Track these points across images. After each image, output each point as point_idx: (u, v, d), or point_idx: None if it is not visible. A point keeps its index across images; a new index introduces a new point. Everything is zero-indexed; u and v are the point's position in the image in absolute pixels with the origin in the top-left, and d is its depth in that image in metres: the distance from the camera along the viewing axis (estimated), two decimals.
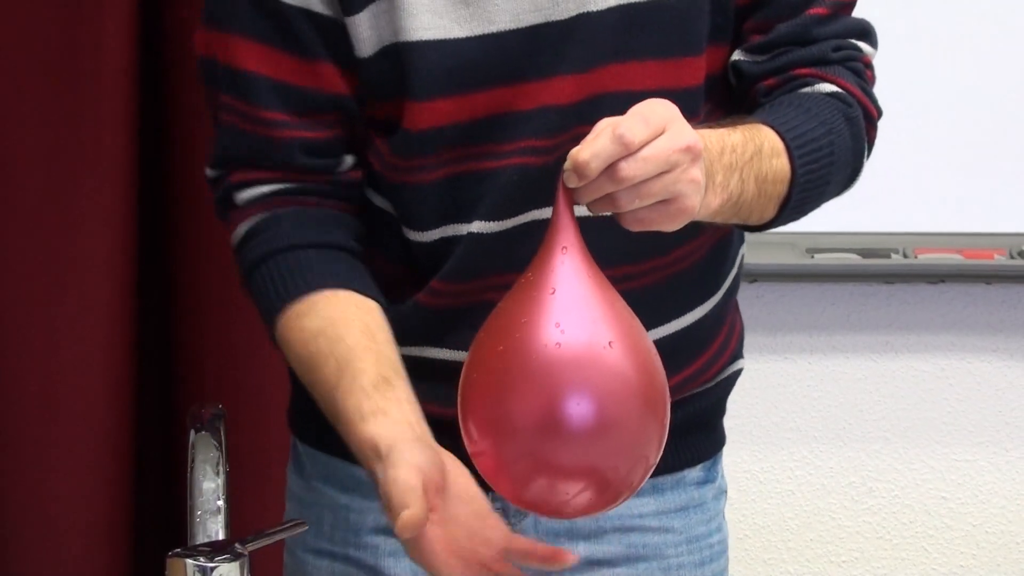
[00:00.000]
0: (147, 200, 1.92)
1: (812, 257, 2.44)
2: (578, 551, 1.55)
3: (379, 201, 1.52)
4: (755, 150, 1.35)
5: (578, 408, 1.18)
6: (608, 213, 1.23)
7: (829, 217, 2.45)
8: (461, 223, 1.46)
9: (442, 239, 1.47)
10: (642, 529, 1.57)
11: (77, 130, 1.86)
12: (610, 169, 1.18)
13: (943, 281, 2.50)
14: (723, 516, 1.64)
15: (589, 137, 1.20)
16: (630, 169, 1.18)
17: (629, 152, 1.18)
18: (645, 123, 1.19)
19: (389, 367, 1.39)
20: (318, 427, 1.59)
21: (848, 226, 2.45)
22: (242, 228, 1.50)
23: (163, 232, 1.98)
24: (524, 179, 1.44)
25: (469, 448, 1.24)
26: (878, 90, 1.52)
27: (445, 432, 1.49)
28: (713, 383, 1.60)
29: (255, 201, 1.49)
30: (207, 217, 1.62)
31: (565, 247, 1.22)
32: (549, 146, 1.43)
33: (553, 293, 1.21)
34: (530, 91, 1.43)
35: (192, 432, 1.45)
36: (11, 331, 1.90)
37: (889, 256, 2.44)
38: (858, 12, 1.53)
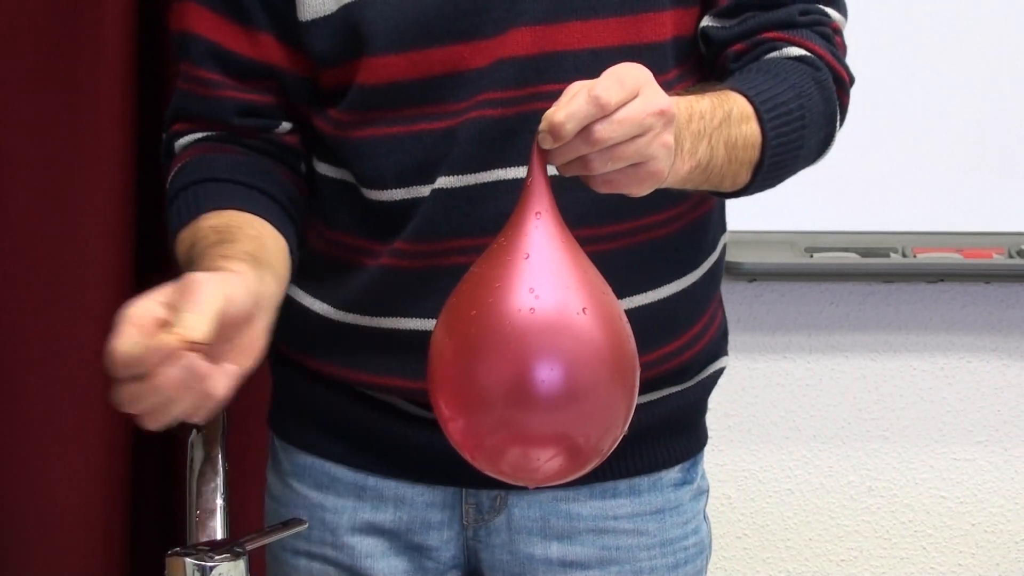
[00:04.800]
0: (146, 200, 1.92)
1: (811, 256, 2.44)
2: (552, 552, 1.55)
3: (332, 171, 1.53)
4: (724, 116, 1.35)
5: (551, 374, 1.17)
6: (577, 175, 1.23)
7: (828, 216, 2.47)
8: (424, 182, 1.46)
9: (405, 198, 1.48)
10: (616, 531, 1.56)
11: (76, 130, 1.86)
12: (585, 131, 1.18)
13: (942, 280, 2.50)
14: (703, 516, 1.64)
15: (563, 99, 1.19)
16: (605, 131, 1.18)
17: (604, 114, 1.17)
18: (620, 85, 1.18)
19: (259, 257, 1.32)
20: (296, 422, 1.59)
21: (847, 225, 2.45)
22: (175, 167, 1.51)
23: (163, 232, 1.97)
24: (484, 134, 1.44)
25: (439, 415, 1.22)
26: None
27: (418, 405, 1.49)
28: (693, 382, 1.59)
29: (190, 144, 1.52)
30: None
31: (539, 212, 1.21)
32: (506, 98, 1.44)
33: (527, 258, 1.20)
34: (485, 47, 1.43)
35: (192, 432, 1.46)
36: (10, 331, 1.90)
37: (888, 255, 2.44)
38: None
